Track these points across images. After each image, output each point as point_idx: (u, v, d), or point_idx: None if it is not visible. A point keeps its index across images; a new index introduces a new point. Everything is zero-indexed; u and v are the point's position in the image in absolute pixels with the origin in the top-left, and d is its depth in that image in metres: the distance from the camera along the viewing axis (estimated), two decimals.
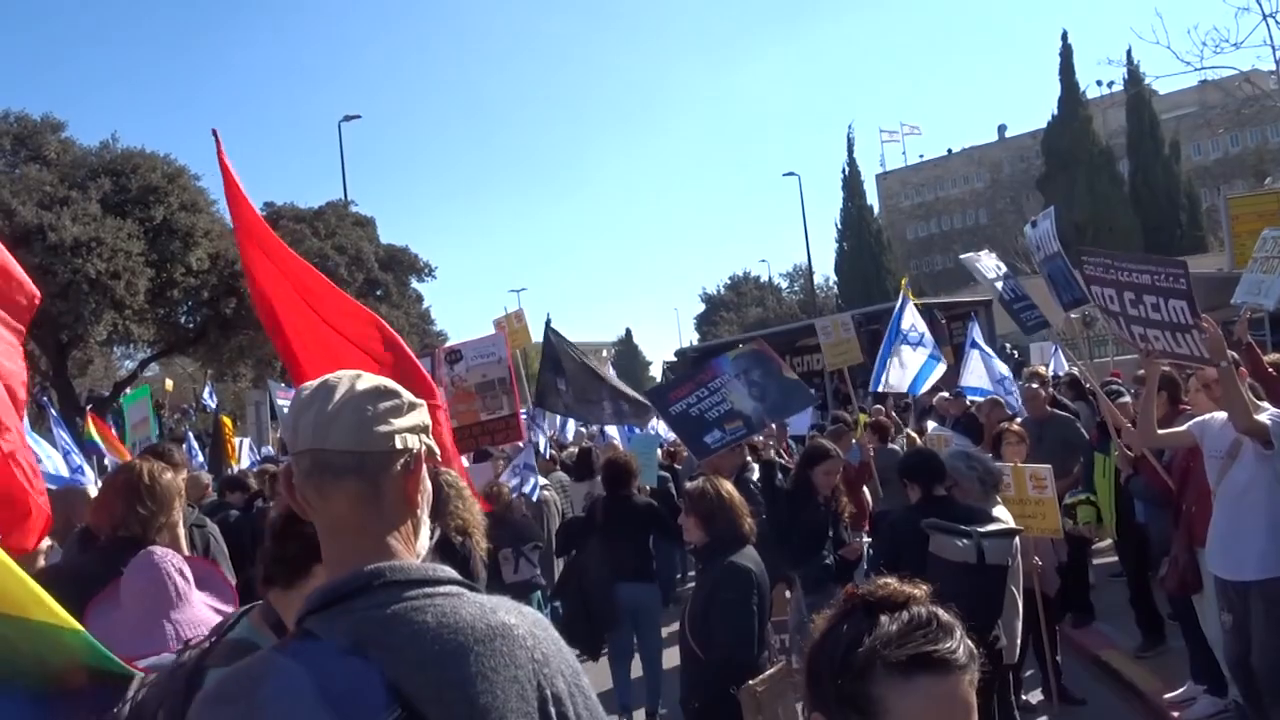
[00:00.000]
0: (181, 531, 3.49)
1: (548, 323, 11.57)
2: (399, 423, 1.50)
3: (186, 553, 3.28)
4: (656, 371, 66.16)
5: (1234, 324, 6.56)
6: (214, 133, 4.22)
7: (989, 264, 9.35)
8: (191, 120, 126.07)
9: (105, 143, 28.52)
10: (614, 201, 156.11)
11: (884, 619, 1.43)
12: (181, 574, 2.79)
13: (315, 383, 1.53)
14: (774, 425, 8.64)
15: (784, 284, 76.86)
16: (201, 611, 2.76)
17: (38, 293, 3.24)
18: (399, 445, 1.49)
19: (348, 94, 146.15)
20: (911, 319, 11.03)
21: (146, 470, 3.33)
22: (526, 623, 1.44)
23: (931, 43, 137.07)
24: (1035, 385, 9.38)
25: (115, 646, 2.49)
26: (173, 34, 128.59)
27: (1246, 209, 12.17)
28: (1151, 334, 5.56)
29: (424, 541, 1.57)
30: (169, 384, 31.22)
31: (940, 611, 1.45)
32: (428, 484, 1.58)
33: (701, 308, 76.44)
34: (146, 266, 25.92)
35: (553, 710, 1.40)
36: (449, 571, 1.47)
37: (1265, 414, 4.96)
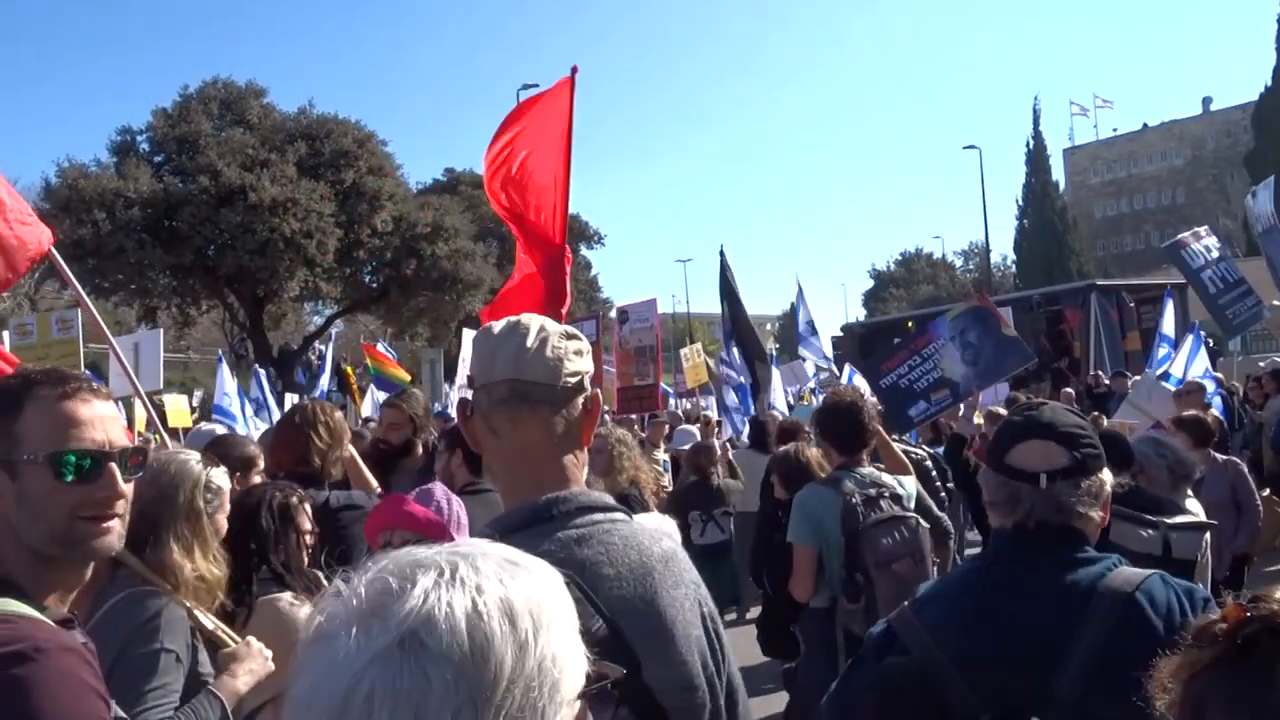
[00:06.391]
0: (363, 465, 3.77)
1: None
2: (582, 365, 1.65)
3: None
4: (823, 347, 65.18)
5: None
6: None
7: (1206, 244, 8.21)
8: (379, 89, 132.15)
9: (302, 109, 30.29)
10: (784, 172, 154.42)
11: None
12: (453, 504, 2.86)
13: (507, 321, 1.66)
14: (978, 392, 8.29)
15: (958, 262, 74.20)
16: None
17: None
18: (585, 385, 1.65)
19: (526, 63, 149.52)
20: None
21: (318, 408, 3.58)
22: (681, 551, 1.66)
23: (1128, 11, 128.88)
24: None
25: None
26: (364, 10, 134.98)
27: None
28: None
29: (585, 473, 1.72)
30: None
31: None
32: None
33: (870, 283, 74.63)
34: (336, 227, 27.36)
35: (709, 624, 1.61)
36: (615, 501, 1.67)
37: None
